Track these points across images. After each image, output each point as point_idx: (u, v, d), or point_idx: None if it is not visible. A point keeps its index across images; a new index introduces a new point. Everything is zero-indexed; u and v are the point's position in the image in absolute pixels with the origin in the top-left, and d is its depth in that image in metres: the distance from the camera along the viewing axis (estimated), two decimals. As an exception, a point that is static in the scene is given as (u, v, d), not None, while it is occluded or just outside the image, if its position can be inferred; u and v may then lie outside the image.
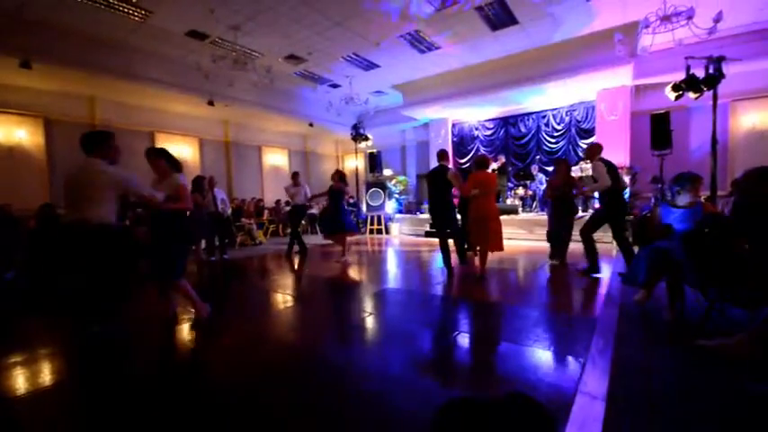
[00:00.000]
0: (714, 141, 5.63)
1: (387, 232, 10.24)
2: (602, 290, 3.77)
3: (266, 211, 10.92)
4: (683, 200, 3.03)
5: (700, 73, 5.79)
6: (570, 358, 2.24)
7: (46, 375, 2.26)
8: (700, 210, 2.95)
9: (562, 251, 5.15)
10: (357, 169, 11.72)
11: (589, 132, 9.09)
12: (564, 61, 7.83)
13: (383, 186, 10.58)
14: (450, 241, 4.91)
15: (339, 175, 6.27)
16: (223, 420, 1.71)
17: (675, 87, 6.26)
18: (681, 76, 6.05)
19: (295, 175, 7.12)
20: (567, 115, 9.61)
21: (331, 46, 7.60)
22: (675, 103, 6.73)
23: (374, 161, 11.22)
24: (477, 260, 4.76)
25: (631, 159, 7.98)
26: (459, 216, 5.33)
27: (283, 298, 4.01)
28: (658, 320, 2.83)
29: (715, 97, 5.66)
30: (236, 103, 9.24)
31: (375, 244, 8.19)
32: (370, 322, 3.10)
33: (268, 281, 5.01)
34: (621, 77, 7.82)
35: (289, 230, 10.50)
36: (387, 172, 12.54)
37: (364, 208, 10.75)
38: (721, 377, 1.93)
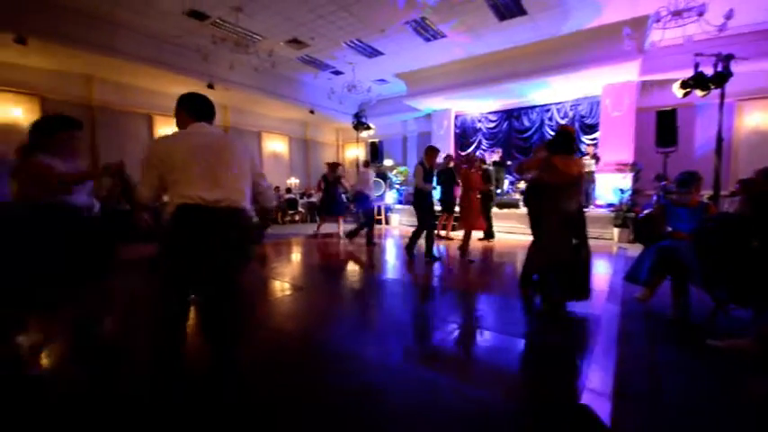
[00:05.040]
0: (719, 140, 5.60)
1: (387, 223, 10.20)
2: (604, 287, 3.76)
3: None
4: (687, 198, 3.01)
5: (708, 70, 5.74)
6: (573, 354, 2.23)
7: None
8: (704, 209, 2.93)
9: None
10: (358, 159, 11.61)
11: (593, 128, 9.01)
12: (570, 54, 7.71)
13: (384, 176, 10.50)
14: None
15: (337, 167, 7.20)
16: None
17: (683, 84, 6.19)
18: (688, 73, 5.98)
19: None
20: (571, 110, 9.51)
21: (335, 31, 7.44)
22: (681, 100, 6.67)
23: (375, 151, 11.11)
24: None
25: (635, 156, 7.93)
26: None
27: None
28: (662, 319, 2.82)
29: (722, 96, 5.60)
30: (236, 87, 9.08)
31: (375, 235, 8.15)
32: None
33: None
34: (628, 73, 7.72)
35: (287, 218, 10.53)
36: (388, 162, 12.45)
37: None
38: (733, 377, 1.93)
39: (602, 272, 4.39)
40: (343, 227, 7.61)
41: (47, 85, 7.45)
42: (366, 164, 8.30)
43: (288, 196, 10.80)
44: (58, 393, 1.86)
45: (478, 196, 5.67)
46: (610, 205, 7.45)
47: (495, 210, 8.38)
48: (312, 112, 11.33)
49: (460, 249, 5.38)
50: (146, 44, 7.38)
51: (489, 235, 7.15)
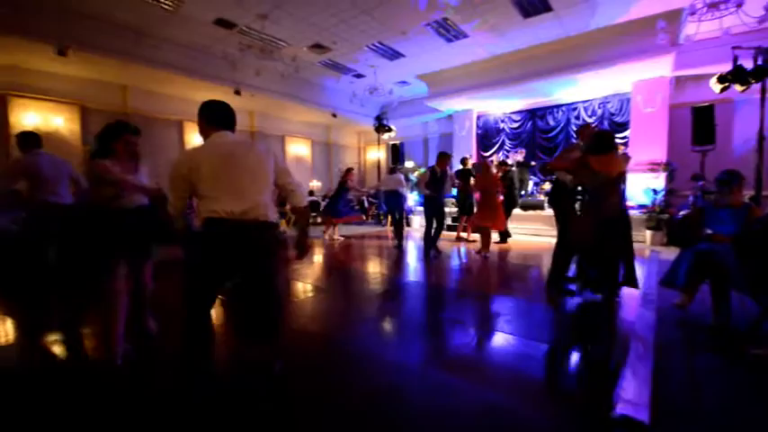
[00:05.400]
0: (761, 138, 5.29)
1: (408, 225, 10.17)
2: (636, 291, 3.61)
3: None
4: (728, 199, 2.85)
5: (747, 64, 5.44)
6: (607, 362, 2.15)
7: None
8: (747, 210, 2.77)
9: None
10: (379, 161, 11.66)
11: (623, 126, 8.69)
12: (599, 50, 7.47)
13: (405, 178, 10.48)
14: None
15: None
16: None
17: (721, 79, 5.89)
18: (726, 67, 5.68)
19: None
20: (599, 107, 9.21)
21: (357, 35, 7.51)
22: (719, 96, 6.34)
23: (396, 153, 11.12)
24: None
25: (669, 155, 7.59)
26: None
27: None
28: (700, 326, 2.69)
29: (763, 90, 5.30)
30: (261, 92, 9.31)
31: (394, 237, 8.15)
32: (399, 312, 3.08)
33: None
34: (661, 68, 7.40)
35: (311, 221, 10.68)
36: (409, 164, 12.43)
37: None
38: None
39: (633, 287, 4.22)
40: (338, 231, 7.89)
41: (86, 94, 7.87)
42: (392, 171, 8.16)
43: (310, 199, 10.97)
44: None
45: (501, 197, 5.73)
46: (641, 206, 7.15)
47: (518, 211, 8.23)
48: (334, 115, 11.46)
49: (480, 251, 5.56)
50: (176, 53, 7.68)
51: (506, 236, 7.02)
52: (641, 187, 7.47)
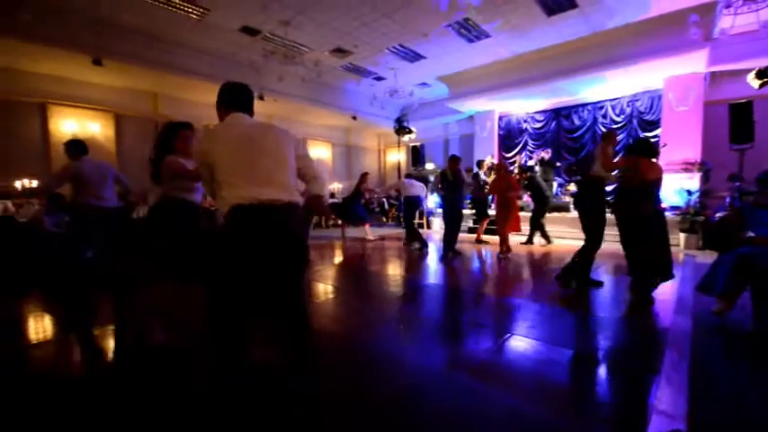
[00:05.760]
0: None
1: (428, 227, 10.12)
2: (670, 297, 3.45)
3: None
4: (769, 200, 2.70)
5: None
6: (641, 372, 2.06)
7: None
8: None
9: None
10: (399, 163, 11.66)
11: (654, 124, 8.35)
12: (627, 47, 7.22)
13: (425, 180, 10.44)
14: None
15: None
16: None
17: (760, 74, 5.61)
18: (765, 61, 5.40)
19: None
20: (628, 106, 8.89)
21: (378, 38, 7.56)
22: (758, 92, 6.01)
23: (417, 155, 11.09)
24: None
25: (703, 154, 7.24)
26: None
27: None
28: (740, 333, 2.55)
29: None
30: (283, 97, 9.50)
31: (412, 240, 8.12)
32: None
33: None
34: (694, 63, 7.08)
35: (330, 222, 10.78)
36: (429, 166, 12.38)
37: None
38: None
39: (667, 281, 4.04)
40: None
41: (120, 102, 8.26)
42: (408, 175, 8.15)
43: (331, 201, 11.07)
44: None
45: (519, 200, 5.72)
46: (674, 208, 6.83)
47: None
48: (354, 118, 11.56)
49: (500, 255, 5.53)
50: (203, 61, 7.95)
51: (531, 238, 6.88)
52: (674, 188, 7.15)
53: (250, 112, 1.82)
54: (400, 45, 7.93)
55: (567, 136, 9.98)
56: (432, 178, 11.01)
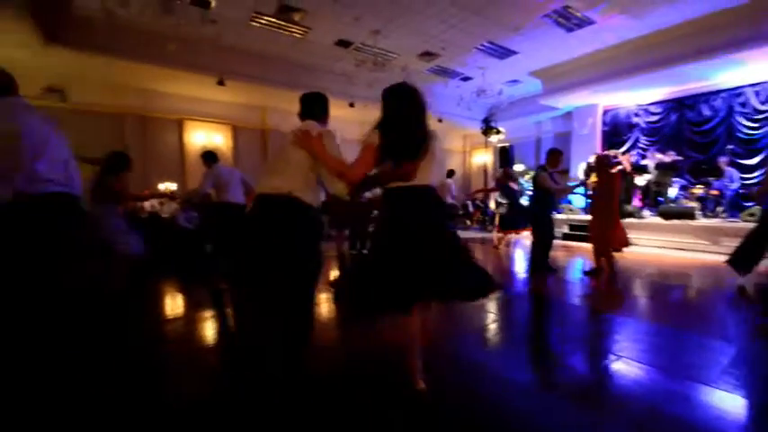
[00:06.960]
0: None
1: (517, 232, 9.54)
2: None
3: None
4: None
5: None
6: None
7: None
8: None
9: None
10: (486, 165, 11.24)
11: (817, 112, 6.65)
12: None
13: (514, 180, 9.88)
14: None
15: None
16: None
17: None
18: None
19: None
20: (778, 90, 7.23)
21: (465, 37, 7.42)
22: None
23: (505, 155, 10.58)
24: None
25: None
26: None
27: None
28: None
29: None
30: (373, 103, 9.89)
31: (503, 244, 7.74)
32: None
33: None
34: None
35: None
36: (518, 167, 11.68)
37: (492, 205, 10.25)
38: None
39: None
40: None
41: (236, 115, 9.56)
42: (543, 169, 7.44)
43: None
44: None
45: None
46: None
47: (658, 220, 7.05)
48: (440, 120, 11.49)
49: (607, 274, 4.48)
50: (302, 75, 8.73)
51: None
52: None
53: (318, 119, 2.09)
54: (489, 42, 7.66)
55: (693, 129, 8.50)
56: (522, 180, 10.38)
